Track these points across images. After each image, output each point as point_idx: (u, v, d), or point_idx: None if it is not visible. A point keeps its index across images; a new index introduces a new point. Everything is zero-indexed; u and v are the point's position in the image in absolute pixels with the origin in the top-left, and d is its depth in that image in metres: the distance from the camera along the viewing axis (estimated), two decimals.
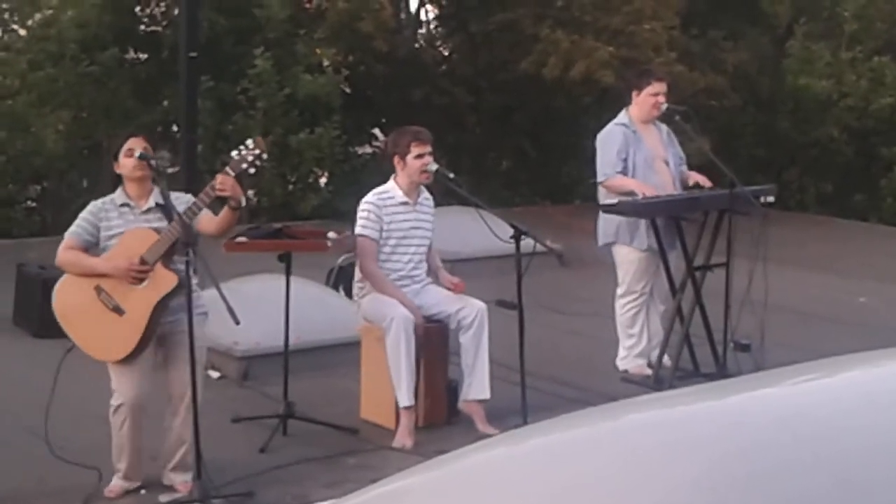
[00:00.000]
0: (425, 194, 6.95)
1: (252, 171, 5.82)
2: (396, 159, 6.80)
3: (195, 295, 5.63)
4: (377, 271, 6.72)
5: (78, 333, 5.69)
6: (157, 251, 5.60)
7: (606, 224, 7.75)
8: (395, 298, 6.62)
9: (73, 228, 5.77)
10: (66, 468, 5.70)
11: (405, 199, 6.79)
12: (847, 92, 16.86)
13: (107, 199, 5.81)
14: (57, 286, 5.81)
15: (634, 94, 7.83)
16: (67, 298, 5.74)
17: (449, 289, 6.88)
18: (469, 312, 6.69)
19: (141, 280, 5.61)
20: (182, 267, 5.55)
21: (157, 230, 5.66)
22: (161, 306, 5.63)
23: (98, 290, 5.65)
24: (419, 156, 6.72)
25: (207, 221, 5.75)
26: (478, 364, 6.67)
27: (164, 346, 5.77)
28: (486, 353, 6.68)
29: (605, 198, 7.70)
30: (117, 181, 5.83)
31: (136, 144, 5.76)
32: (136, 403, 5.68)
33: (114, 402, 5.71)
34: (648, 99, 7.76)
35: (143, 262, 5.59)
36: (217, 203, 5.79)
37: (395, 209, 6.77)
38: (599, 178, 7.73)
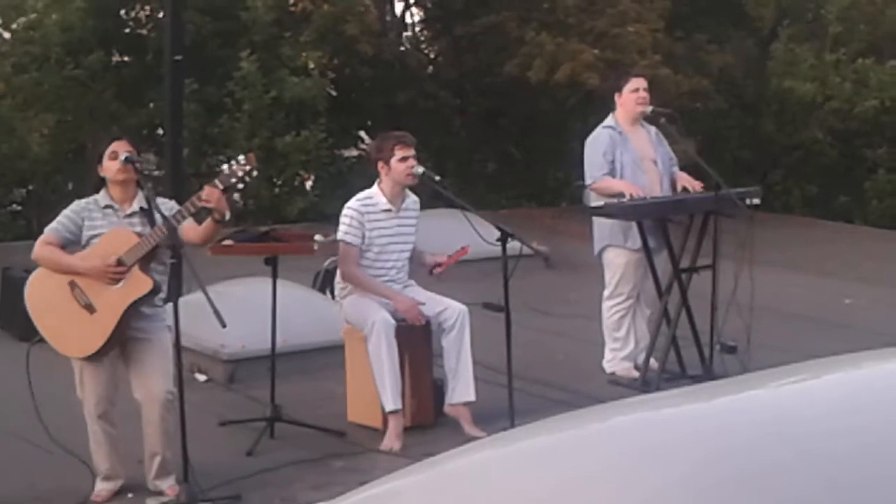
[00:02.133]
0: (412, 198, 6.94)
1: (241, 186, 5.82)
2: (381, 165, 6.78)
3: (160, 310, 5.65)
4: (359, 273, 6.71)
5: (47, 326, 5.69)
6: (136, 254, 5.59)
7: (600, 229, 7.77)
8: (381, 295, 6.61)
9: (53, 224, 5.76)
10: (57, 472, 5.68)
11: (388, 206, 6.78)
12: (831, 94, 16.92)
13: (90, 199, 5.81)
14: (31, 278, 5.81)
15: (617, 96, 7.86)
16: (40, 291, 5.74)
17: (437, 264, 6.84)
18: (450, 315, 6.68)
19: (116, 281, 5.60)
20: (158, 276, 5.56)
21: (138, 234, 5.65)
22: (133, 309, 5.63)
23: (72, 285, 5.64)
24: (403, 158, 6.71)
25: (190, 230, 5.74)
26: (461, 367, 6.67)
27: (126, 351, 5.75)
28: (468, 356, 6.67)
29: (594, 201, 7.71)
30: (100, 184, 5.82)
31: (120, 147, 5.75)
32: (101, 399, 5.70)
33: (78, 395, 5.72)
34: (630, 97, 7.79)
35: (120, 263, 5.58)
36: (203, 212, 5.78)
37: (377, 216, 6.76)
38: (587, 182, 7.74)
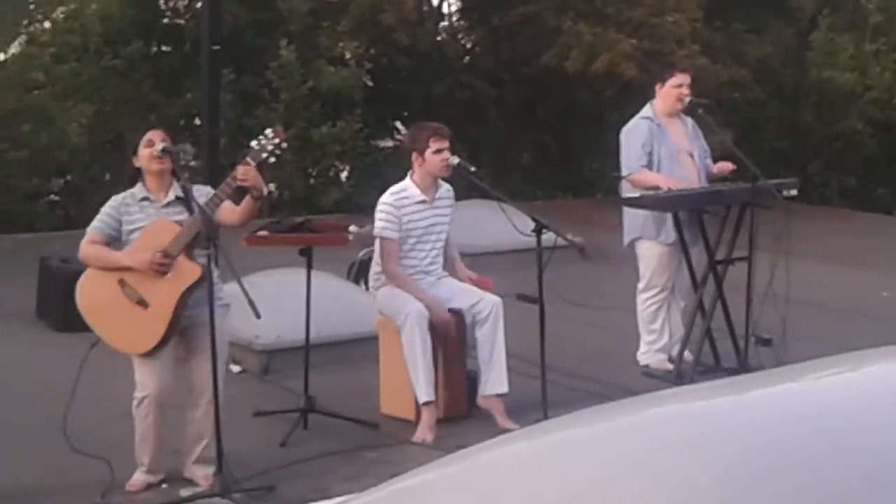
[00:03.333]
0: (445, 187, 6.92)
1: (272, 160, 5.81)
2: (415, 156, 6.77)
3: (216, 287, 5.64)
4: (399, 271, 6.69)
5: (103, 328, 5.71)
6: (180, 243, 5.61)
7: (631, 220, 7.72)
8: (419, 299, 6.58)
9: (95, 223, 5.78)
10: (88, 462, 5.71)
11: (422, 197, 6.76)
12: (871, 84, 16.78)
13: (127, 193, 5.82)
14: (80, 281, 5.82)
15: (658, 86, 7.80)
16: (91, 293, 5.76)
17: (464, 281, 6.87)
18: (484, 307, 6.67)
19: (164, 272, 5.62)
20: (203, 260, 5.57)
21: (178, 223, 5.67)
22: (185, 297, 5.65)
23: (122, 283, 5.66)
24: (438, 150, 6.69)
25: (229, 212, 5.76)
26: (494, 358, 6.65)
27: (185, 339, 5.78)
28: (502, 347, 6.66)
29: (628, 192, 7.68)
30: (136, 176, 5.84)
31: (155, 137, 5.76)
32: (159, 396, 5.70)
33: (137, 394, 5.73)
34: (672, 91, 7.73)
35: (166, 254, 5.60)
36: (238, 193, 5.80)
37: (412, 208, 6.74)
38: (624, 173, 7.70)
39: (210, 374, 5.61)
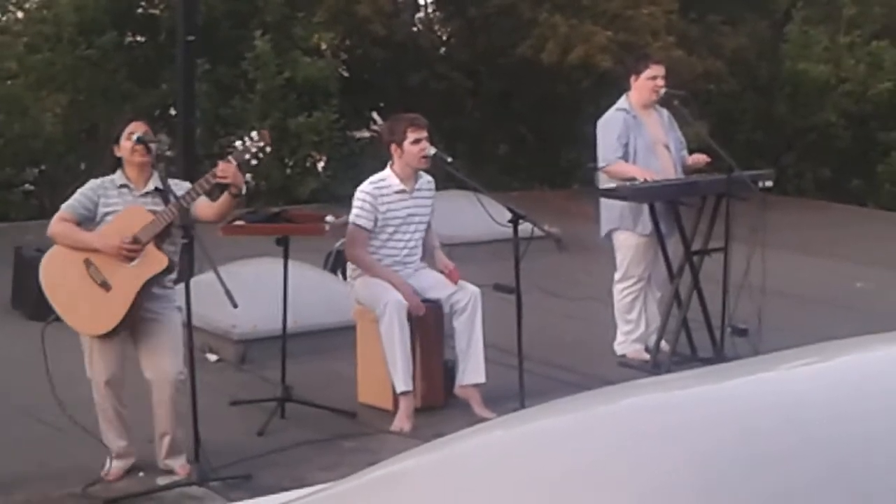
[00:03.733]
0: (425, 178, 6.93)
1: (254, 162, 5.84)
2: (393, 147, 6.78)
3: (170, 291, 5.66)
4: (365, 256, 6.72)
5: (62, 304, 5.71)
6: (151, 231, 5.62)
7: (608, 211, 7.75)
8: (387, 280, 6.62)
9: (69, 202, 5.79)
10: (68, 451, 5.71)
11: (402, 186, 6.78)
12: (845, 77, 16.83)
13: (107, 178, 5.84)
14: (46, 256, 5.82)
15: (633, 78, 7.83)
16: (55, 269, 5.76)
17: (442, 272, 6.88)
18: (462, 297, 6.69)
19: (131, 258, 5.62)
20: (173, 251, 5.58)
21: (153, 212, 5.67)
22: (148, 286, 5.65)
23: (87, 263, 5.66)
24: (416, 141, 6.71)
25: (206, 207, 5.77)
26: (472, 348, 6.67)
27: (136, 331, 5.77)
28: (480, 337, 6.68)
29: (605, 183, 7.70)
30: (116, 164, 5.84)
31: (137, 129, 5.79)
32: (111, 378, 5.72)
33: (87, 374, 5.74)
34: (647, 83, 7.76)
35: (135, 240, 5.60)
36: (216, 189, 5.80)
37: (390, 198, 6.75)
38: (601, 164, 7.73)
39: (169, 368, 5.67)
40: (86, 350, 5.76)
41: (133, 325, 5.74)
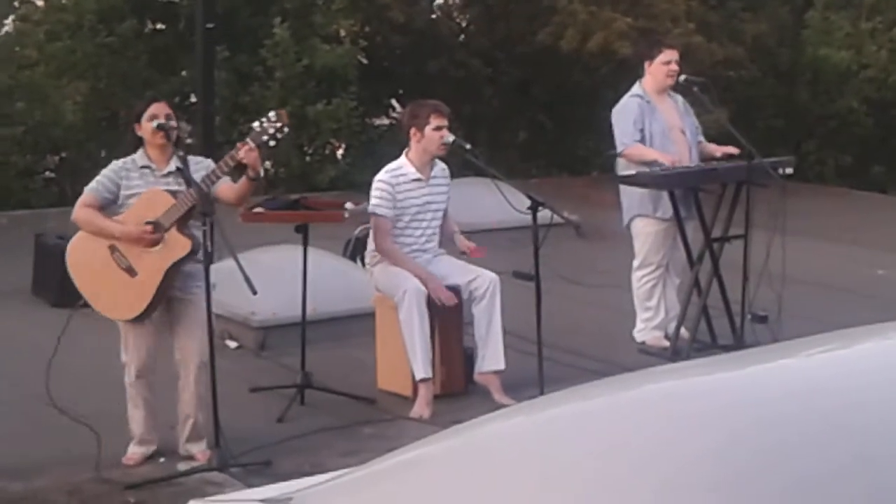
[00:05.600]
0: (440, 166, 6.93)
1: (272, 143, 5.81)
2: (413, 131, 6.77)
3: (201, 267, 5.66)
4: (393, 247, 6.71)
5: (89, 290, 5.75)
6: (173, 215, 5.62)
7: (629, 199, 7.73)
8: (412, 272, 6.61)
9: (92, 184, 5.80)
10: (84, 437, 5.73)
11: (418, 175, 6.77)
12: (867, 63, 16.75)
13: (128, 159, 5.84)
14: (72, 241, 5.85)
15: (647, 64, 7.81)
16: (81, 254, 5.80)
17: (464, 252, 6.87)
18: (481, 283, 6.68)
19: (154, 244, 5.64)
20: (197, 233, 5.58)
21: (174, 194, 5.67)
22: (173, 270, 5.66)
23: (112, 248, 5.69)
24: (438, 128, 6.70)
25: (226, 189, 5.78)
26: (491, 335, 6.67)
27: (171, 311, 5.80)
28: (499, 324, 6.68)
29: (624, 170, 7.68)
30: (138, 143, 5.85)
31: (159, 111, 5.79)
32: (143, 364, 5.75)
33: (122, 359, 5.78)
34: (661, 68, 7.74)
35: (157, 225, 5.61)
36: (235, 172, 5.81)
37: (408, 186, 6.75)
38: (619, 149, 7.71)
39: (197, 348, 5.69)
40: (122, 335, 5.79)
41: (166, 306, 5.76)
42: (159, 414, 5.90)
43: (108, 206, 5.77)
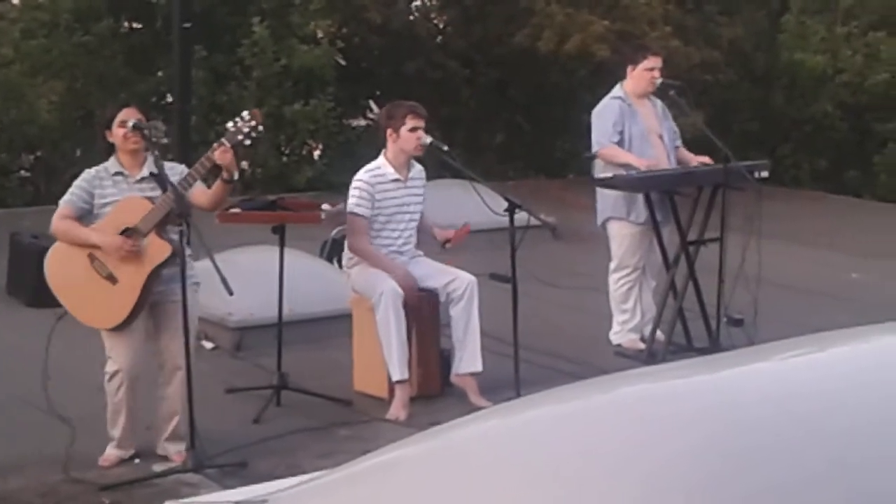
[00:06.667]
0: (417, 168, 6.93)
1: (247, 143, 5.80)
2: (389, 132, 6.77)
3: (187, 265, 5.64)
4: (368, 247, 6.71)
5: (71, 301, 5.71)
6: (151, 221, 5.61)
7: (604, 200, 7.75)
8: (388, 270, 6.61)
9: (67, 196, 5.77)
10: (61, 436, 5.71)
11: (396, 175, 6.77)
12: (842, 67, 16.83)
13: (100, 167, 5.81)
14: (49, 253, 5.82)
15: (630, 68, 7.82)
16: (61, 265, 5.76)
17: (447, 241, 6.85)
18: (459, 285, 6.69)
19: (134, 253, 5.61)
20: (175, 237, 5.56)
21: (151, 199, 5.66)
22: (154, 275, 5.65)
23: (91, 257, 5.66)
24: (414, 129, 6.70)
25: (200, 194, 5.76)
26: (468, 337, 6.67)
27: (155, 314, 5.79)
28: (476, 326, 6.68)
29: (601, 171, 7.70)
30: (110, 150, 5.82)
31: (129, 115, 5.76)
32: (130, 371, 5.71)
33: (108, 369, 5.74)
34: (644, 74, 7.75)
35: (136, 231, 5.59)
36: (210, 175, 5.79)
37: (386, 186, 6.75)
38: (595, 148, 7.72)
39: (180, 350, 5.66)
40: (106, 344, 5.75)
41: (150, 311, 5.75)
42: (137, 414, 5.87)
43: (85, 215, 5.74)
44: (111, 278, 5.65)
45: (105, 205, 5.72)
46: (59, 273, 5.77)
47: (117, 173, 5.77)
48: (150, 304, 5.74)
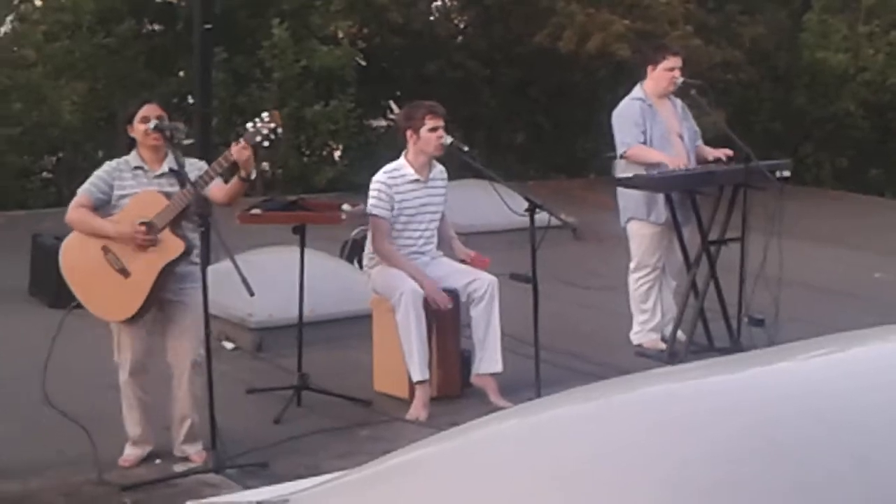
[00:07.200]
0: (438, 168, 6.93)
1: (266, 144, 5.80)
2: (409, 133, 6.77)
3: (194, 268, 5.65)
4: (390, 249, 6.71)
5: (82, 291, 5.74)
6: (167, 217, 5.62)
7: (626, 200, 7.74)
8: (410, 274, 6.61)
9: (86, 185, 5.79)
10: (84, 438, 5.72)
11: (416, 176, 6.77)
12: (864, 66, 16.76)
13: (121, 160, 5.84)
14: (65, 242, 5.84)
15: (650, 68, 7.80)
16: (75, 255, 5.79)
17: (462, 261, 6.88)
18: (480, 285, 6.68)
19: (147, 245, 5.63)
20: (191, 234, 5.59)
21: (167, 195, 5.67)
22: (166, 271, 5.67)
23: (105, 250, 5.68)
24: (433, 129, 6.69)
25: (217, 190, 5.77)
26: (489, 337, 6.67)
27: (164, 313, 5.80)
28: (497, 327, 6.67)
29: (623, 171, 7.69)
30: (132, 144, 5.85)
31: (151, 112, 5.78)
32: (135, 364, 5.76)
33: (115, 359, 5.77)
34: (664, 74, 7.73)
35: (150, 226, 5.61)
36: (229, 173, 5.80)
37: (405, 187, 6.74)
38: (621, 150, 7.71)
39: (188, 351, 5.70)
40: (115, 336, 5.80)
41: (159, 307, 5.77)
42: (154, 415, 5.89)
43: (102, 206, 5.76)
44: (124, 272, 5.67)
45: (123, 197, 5.74)
46: (73, 264, 5.79)
47: (137, 167, 5.80)
48: (161, 302, 5.75)
